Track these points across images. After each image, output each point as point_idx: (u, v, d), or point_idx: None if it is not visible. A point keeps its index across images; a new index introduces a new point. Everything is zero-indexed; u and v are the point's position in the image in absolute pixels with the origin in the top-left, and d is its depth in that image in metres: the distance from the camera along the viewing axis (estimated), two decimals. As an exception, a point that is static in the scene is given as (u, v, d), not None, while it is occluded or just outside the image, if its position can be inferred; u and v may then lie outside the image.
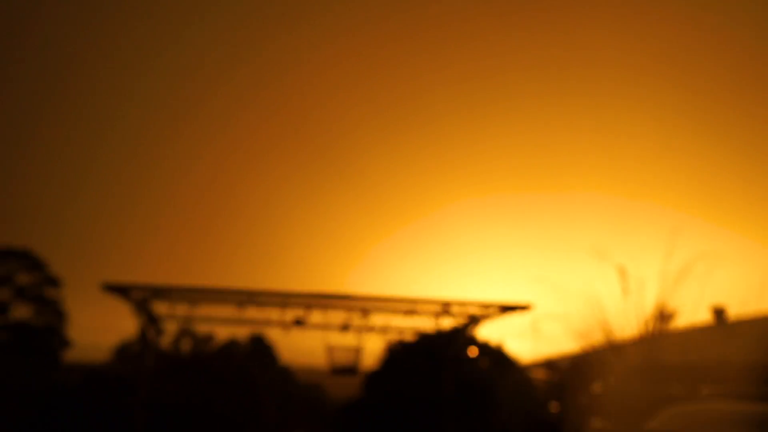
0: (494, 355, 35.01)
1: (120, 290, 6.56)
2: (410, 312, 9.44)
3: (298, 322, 8.65)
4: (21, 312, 36.29)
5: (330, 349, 8.71)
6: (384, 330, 10.30)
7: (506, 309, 8.23)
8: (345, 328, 9.22)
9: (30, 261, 36.54)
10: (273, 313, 8.49)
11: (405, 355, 36.54)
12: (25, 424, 26.07)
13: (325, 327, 9.16)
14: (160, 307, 7.45)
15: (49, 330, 36.15)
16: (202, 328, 37.28)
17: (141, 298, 7.01)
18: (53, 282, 37.03)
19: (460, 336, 36.57)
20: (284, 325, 8.85)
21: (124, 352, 36.30)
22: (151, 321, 7.06)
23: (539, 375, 25.17)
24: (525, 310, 7.77)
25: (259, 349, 46.32)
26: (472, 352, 34.80)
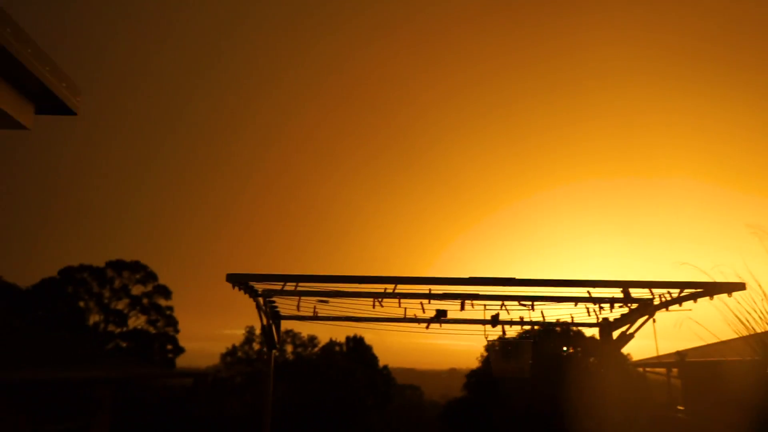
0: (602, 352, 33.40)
1: (244, 281, 5.82)
2: (570, 300, 6.71)
3: (440, 315, 6.84)
4: (137, 321, 38.82)
5: (494, 348, 7.25)
6: (545, 323, 7.71)
7: (711, 290, 6.00)
8: (494, 321, 7.45)
9: (142, 272, 38.97)
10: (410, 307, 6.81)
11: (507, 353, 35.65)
12: (148, 425, 27.78)
13: (464, 322, 7.63)
14: (284, 303, 6.77)
15: (164, 337, 38.31)
16: (326, 327, 38.25)
17: (264, 290, 6.38)
18: (165, 292, 39.31)
19: (565, 332, 35.11)
20: (424, 321, 7.18)
21: (229, 357, 37.93)
22: (275, 317, 6.47)
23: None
24: (738, 289, 5.78)
25: (359, 350, 46.83)
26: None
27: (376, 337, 43.73)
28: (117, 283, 37.60)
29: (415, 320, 7.03)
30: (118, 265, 37.24)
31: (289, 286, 5.83)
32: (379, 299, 6.21)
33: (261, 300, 6.12)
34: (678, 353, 14.27)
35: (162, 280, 38.45)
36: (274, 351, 6.63)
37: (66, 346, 21.04)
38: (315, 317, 6.90)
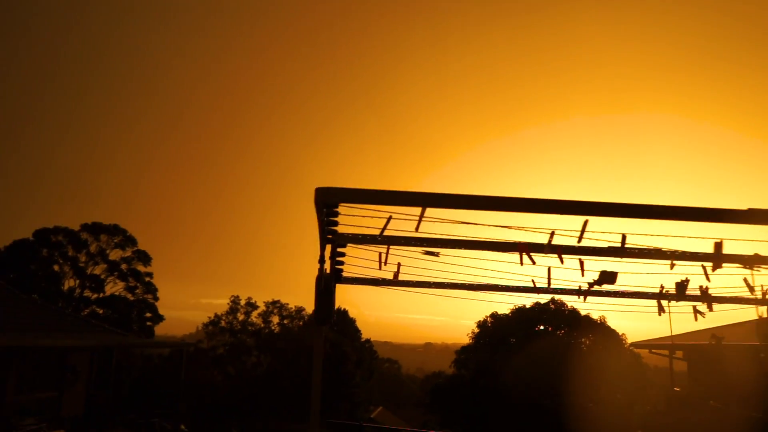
0: (597, 332, 32.69)
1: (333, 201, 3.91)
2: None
3: (607, 279, 4.38)
4: (115, 287, 37.10)
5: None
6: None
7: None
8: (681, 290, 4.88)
9: (121, 236, 37.12)
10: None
11: (497, 330, 34.83)
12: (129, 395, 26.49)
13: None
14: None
15: (143, 304, 36.69)
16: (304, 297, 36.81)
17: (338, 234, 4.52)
18: (144, 258, 37.55)
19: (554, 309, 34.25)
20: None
21: (212, 327, 36.52)
22: (337, 276, 4.60)
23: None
24: None
25: (343, 322, 45.79)
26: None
27: (357, 310, 42.66)
28: (94, 248, 35.77)
29: (581, 293, 5.12)
30: (95, 228, 35.34)
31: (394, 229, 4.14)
32: (527, 251, 4.17)
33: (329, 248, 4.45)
34: (714, 336, 13.32)
35: (141, 246, 36.71)
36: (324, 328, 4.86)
37: (40, 312, 19.51)
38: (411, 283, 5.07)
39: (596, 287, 4.89)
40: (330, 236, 4.40)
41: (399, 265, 4.73)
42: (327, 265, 4.41)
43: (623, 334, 32.38)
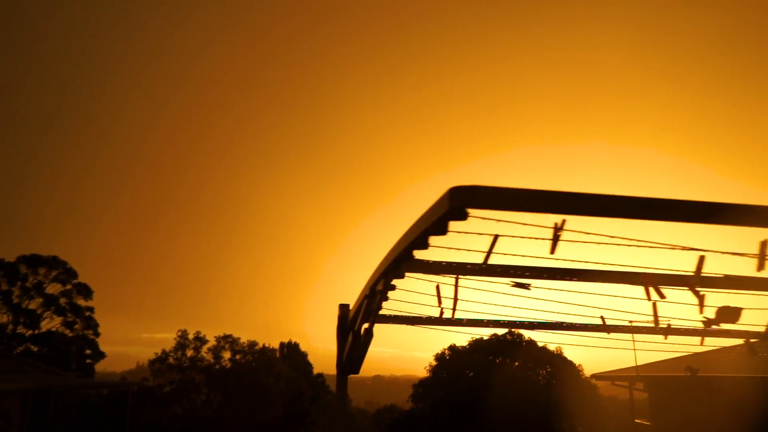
0: (554, 363, 32.61)
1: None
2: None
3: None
4: (52, 322, 34.82)
5: None
6: None
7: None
8: None
9: (60, 269, 35.02)
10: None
11: (455, 363, 34.32)
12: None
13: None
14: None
15: (83, 340, 34.51)
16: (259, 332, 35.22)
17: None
18: (85, 291, 35.47)
19: (515, 342, 34.06)
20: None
21: (158, 364, 34.59)
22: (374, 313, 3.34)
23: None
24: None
25: (294, 356, 44.33)
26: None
27: (305, 342, 41.42)
28: (29, 281, 33.55)
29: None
30: (32, 260, 33.21)
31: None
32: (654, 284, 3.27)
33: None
34: (689, 368, 13.13)
35: (82, 278, 34.67)
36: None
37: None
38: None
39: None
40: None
41: (456, 300, 3.93)
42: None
43: (579, 365, 32.41)
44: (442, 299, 3.74)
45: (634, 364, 22.81)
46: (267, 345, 36.47)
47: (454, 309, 3.83)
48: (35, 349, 32.82)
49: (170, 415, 28.51)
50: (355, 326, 3.49)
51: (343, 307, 3.61)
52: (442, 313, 4.14)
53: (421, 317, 4.36)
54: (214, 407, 28.56)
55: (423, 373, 34.31)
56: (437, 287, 3.77)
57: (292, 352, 44.95)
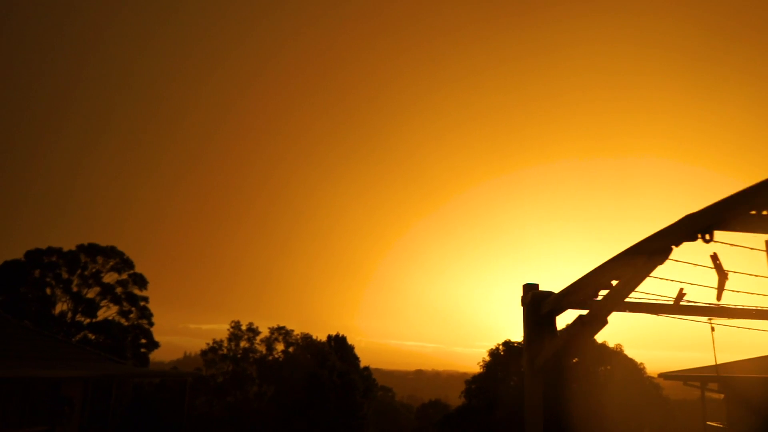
0: (615, 361, 31.35)
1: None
2: None
3: None
4: (108, 311, 35.43)
5: None
6: None
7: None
8: None
9: (117, 259, 35.57)
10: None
11: (509, 359, 33.44)
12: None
13: None
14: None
15: (138, 330, 34.99)
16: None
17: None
18: (141, 281, 35.96)
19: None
20: None
21: (211, 354, 34.83)
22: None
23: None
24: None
25: (342, 350, 44.11)
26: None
27: (348, 335, 41.02)
28: (89, 270, 34.16)
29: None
30: (91, 250, 33.79)
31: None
32: None
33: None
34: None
35: (138, 268, 35.13)
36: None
37: (33, 339, 18.01)
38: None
39: None
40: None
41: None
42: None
43: (641, 363, 31.08)
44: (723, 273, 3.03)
45: (706, 364, 21.47)
46: (316, 338, 36.34)
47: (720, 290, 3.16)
48: (92, 337, 33.44)
49: (223, 405, 28.60)
50: (559, 312, 2.89)
51: (531, 288, 2.98)
52: (680, 297, 3.46)
53: (667, 305, 3.67)
54: (268, 398, 28.48)
55: (465, 368, 33.71)
56: (713, 256, 3.09)
57: (339, 345, 44.73)
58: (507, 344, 32.48)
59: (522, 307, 3.40)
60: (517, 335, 33.12)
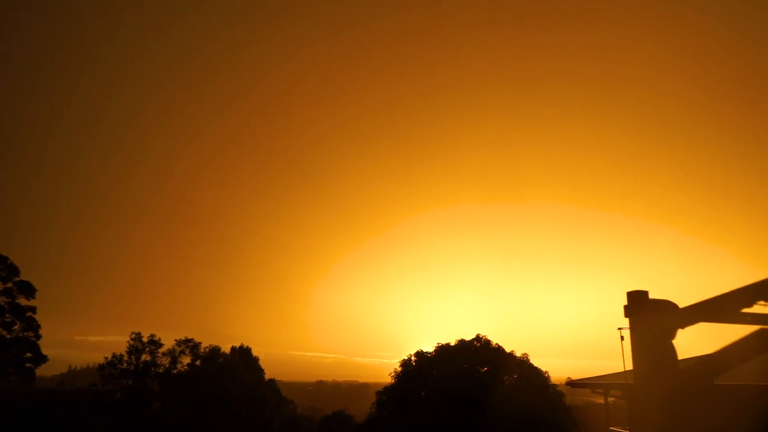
0: (520, 369, 32.37)
1: None
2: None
3: None
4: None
5: None
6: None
7: None
8: None
9: (1, 265, 32.35)
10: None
11: (421, 370, 33.65)
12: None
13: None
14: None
15: (23, 343, 31.94)
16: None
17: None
18: (27, 290, 32.90)
19: (480, 347, 33.71)
20: None
21: (109, 369, 32.39)
22: None
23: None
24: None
25: (247, 362, 42.70)
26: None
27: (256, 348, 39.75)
28: (-34, 277, 30.86)
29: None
30: (-30, 255, 30.51)
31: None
32: None
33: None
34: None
35: (25, 276, 32.13)
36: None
37: None
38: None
39: None
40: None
41: None
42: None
43: (546, 371, 32.28)
44: None
45: (612, 372, 22.57)
46: (222, 350, 34.88)
47: None
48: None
49: (122, 422, 26.54)
50: (685, 325, 2.68)
51: (639, 296, 2.70)
52: None
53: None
54: (172, 415, 26.70)
55: (365, 377, 33.96)
56: None
57: (245, 357, 43.34)
58: (419, 354, 32.73)
59: (627, 317, 3.20)
60: (418, 346, 33.52)
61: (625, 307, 3.44)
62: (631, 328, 3.37)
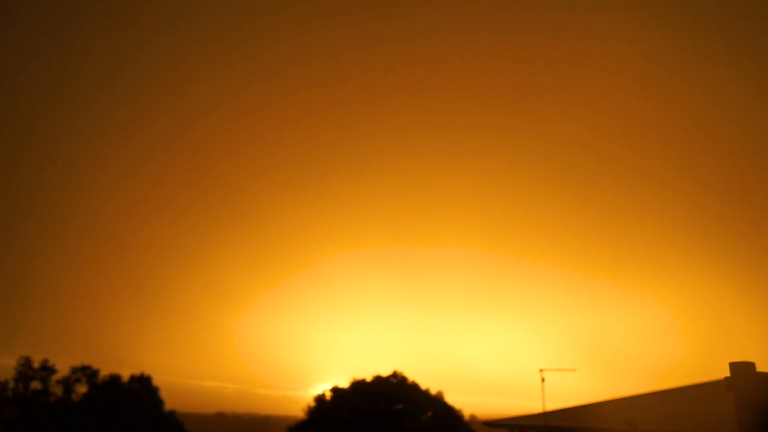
0: (435, 407, 32.21)
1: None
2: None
3: None
4: None
5: None
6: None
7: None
8: None
9: None
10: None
11: (335, 405, 32.78)
12: None
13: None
14: None
15: None
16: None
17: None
18: None
19: (395, 384, 33.39)
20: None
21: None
22: None
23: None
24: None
25: (146, 390, 40.16)
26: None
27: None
28: None
29: None
30: None
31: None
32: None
33: None
34: (628, 422, 12.99)
35: None
36: None
37: None
38: None
39: None
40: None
41: None
42: None
43: (460, 410, 32.31)
44: None
45: (530, 412, 22.77)
46: (122, 378, 32.45)
47: None
48: None
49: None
50: None
51: (745, 369, 2.39)
52: None
53: None
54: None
55: (268, 410, 32.88)
56: None
57: (144, 386, 40.66)
58: (334, 390, 31.92)
59: (732, 393, 2.88)
60: (328, 379, 32.82)
61: (728, 379, 3.18)
62: (738, 401, 3.10)
